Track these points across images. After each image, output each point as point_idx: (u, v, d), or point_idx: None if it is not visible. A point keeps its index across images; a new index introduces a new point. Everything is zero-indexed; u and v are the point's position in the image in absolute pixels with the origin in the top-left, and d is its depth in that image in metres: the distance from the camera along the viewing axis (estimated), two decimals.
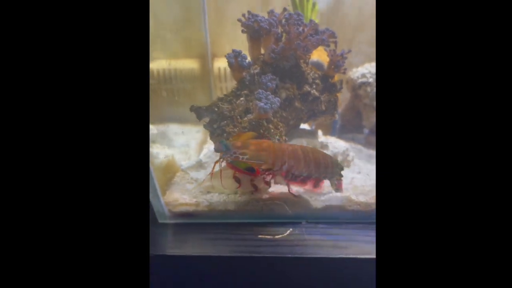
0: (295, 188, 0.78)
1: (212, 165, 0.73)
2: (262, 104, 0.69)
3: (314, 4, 1.11)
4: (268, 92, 0.70)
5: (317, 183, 0.78)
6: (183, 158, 0.91)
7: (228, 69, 1.28)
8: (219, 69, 1.25)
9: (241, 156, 0.69)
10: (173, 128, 0.90)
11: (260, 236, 0.73)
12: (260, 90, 0.70)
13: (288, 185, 0.75)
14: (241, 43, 1.28)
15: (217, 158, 0.72)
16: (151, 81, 0.64)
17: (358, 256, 0.65)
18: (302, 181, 0.76)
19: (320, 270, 0.68)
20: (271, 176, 0.75)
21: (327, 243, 0.70)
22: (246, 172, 0.72)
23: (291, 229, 0.75)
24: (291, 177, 0.74)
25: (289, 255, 0.68)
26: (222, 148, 0.70)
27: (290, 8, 0.99)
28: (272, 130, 0.72)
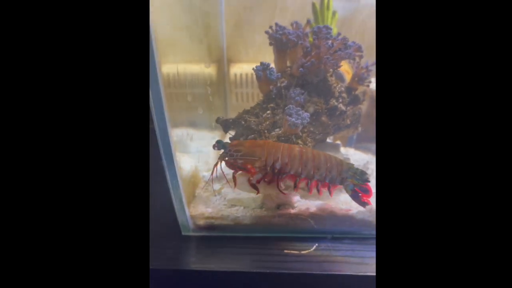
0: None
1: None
2: (293, 119, 0.68)
3: (334, 13, 1.09)
4: (298, 108, 0.70)
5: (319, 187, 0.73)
6: (204, 168, 0.91)
7: (244, 75, 1.29)
8: (235, 74, 1.25)
9: (235, 154, 0.69)
10: (190, 135, 0.89)
11: (286, 251, 0.73)
12: (290, 106, 0.70)
13: (277, 181, 0.72)
14: (257, 49, 1.28)
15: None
16: (167, 86, 0.63)
17: None
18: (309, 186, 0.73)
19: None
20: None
21: (354, 260, 0.70)
22: (240, 169, 0.71)
23: (316, 245, 0.75)
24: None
25: (318, 272, 0.67)
26: (219, 147, 0.71)
27: (310, 16, 0.98)
28: (302, 145, 0.72)
